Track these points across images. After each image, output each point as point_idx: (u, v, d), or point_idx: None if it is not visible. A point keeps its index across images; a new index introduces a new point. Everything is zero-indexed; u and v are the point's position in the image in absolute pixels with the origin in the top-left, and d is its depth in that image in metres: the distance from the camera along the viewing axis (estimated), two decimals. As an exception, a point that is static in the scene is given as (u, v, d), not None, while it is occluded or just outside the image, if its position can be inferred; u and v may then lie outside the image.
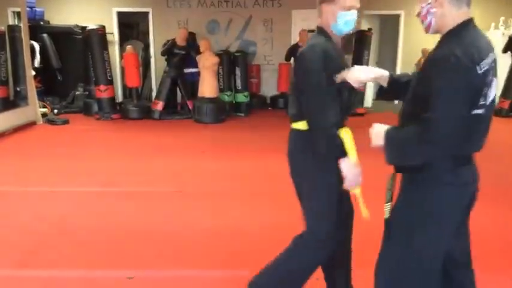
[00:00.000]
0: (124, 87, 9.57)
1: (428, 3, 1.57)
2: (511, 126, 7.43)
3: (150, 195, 3.91)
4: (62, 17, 9.23)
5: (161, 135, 6.67)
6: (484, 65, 1.44)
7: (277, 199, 3.91)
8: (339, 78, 1.83)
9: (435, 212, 1.57)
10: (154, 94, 9.18)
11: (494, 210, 3.63)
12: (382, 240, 1.75)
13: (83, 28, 8.50)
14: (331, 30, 1.92)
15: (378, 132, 1.63)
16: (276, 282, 2.11)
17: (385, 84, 1.85)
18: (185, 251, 2.95)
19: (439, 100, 1.44)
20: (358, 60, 8.41)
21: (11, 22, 8.99)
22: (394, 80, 1.86)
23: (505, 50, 8.31)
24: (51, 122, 7.52)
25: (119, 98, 9.51)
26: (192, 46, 8.17)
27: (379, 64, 10.81)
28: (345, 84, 1.84)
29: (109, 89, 8.02)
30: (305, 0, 9.14)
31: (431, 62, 1.53)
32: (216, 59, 7.73)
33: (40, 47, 8.52)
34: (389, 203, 1.71)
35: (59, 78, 8.92)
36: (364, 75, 1.82)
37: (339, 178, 1.86)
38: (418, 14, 1.64)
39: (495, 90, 1.54)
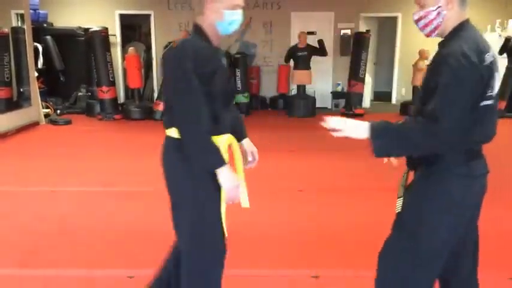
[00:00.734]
0: (126, 88, 9.65)
1: (439, 6, 1.57)
2: (507, 127, 7.51)
3: (150, 195, 3.88)
4: (65, 19, 9.32)
5: (163, 136, 6.60)
6: (489, 58, 1.51)
7: (277, 199, 3.97)
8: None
9: (449, 204, 1.57)
10: (156, 95, 9.27)
11: (492, 210, 3.66)
12: (391, 230, 1.73)
13: (86, 30, 8.60)
14: (214, 29, 1.79)
15: (357, 124, 1.59)
16: None
17: None
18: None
19: (446, 94, 1.46)
20: (357, 61, 8.51)
21: (14, 24, 9.11)
22: None
23: (501, 52, 8.40)
24: (53, 122, 7.60)
25: (121, 98, 9.60)
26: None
27: (378, 65, 10.94)
28: (225, 86, 1.79)
29: (111, 90, 8.11)
30: (304, 2, 9.28)
31: (441, 60, 1.54)
32: (216, 61, 7.81)
33: (43, 49, 8.61)
34: (401, 198, 1.70)
35: (62, 79, 9.00)
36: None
37: (214, 193, 1.76)
38: (420, 19, 1.62)
39: (499, 82, 1.60)
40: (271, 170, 4.87)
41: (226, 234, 1.86)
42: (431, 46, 10.61)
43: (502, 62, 8.53)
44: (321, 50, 8.34)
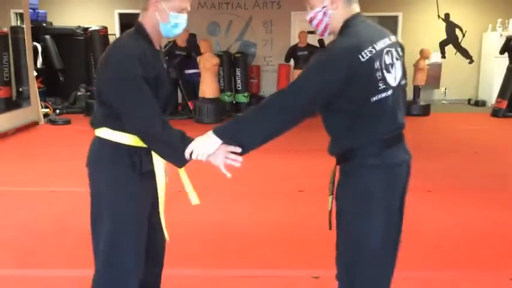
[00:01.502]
0: (125, 88, 9.63)
1: (324, 6, 1.62)
2: (508, 127, 7.50)
3: None
4: (65, 18, 9.31)
5: None
6: (368, 53, 1.52)
7: (278, 198, 3.96)
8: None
9: (368, 196, 1.59)
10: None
11: (493, 210, 3.67)
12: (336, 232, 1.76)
13: (85, 29, 8.58)
14: (156, 30, 1.70)
15: (202, 138, 1.61)
16: None
17: None
18: (185, 250, 2.96)
19: (304, 74, 1.56)
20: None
21: (13, 23, 9.08)
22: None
23: (502, 51, 8.37)
24: (53, 122, 7.59)
25: (120, 98, 9.58)
26: (192, 47, 8.25)
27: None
28: (165, 92, 1.76)
29: (111, 89, 8.09)
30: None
31: (317, 53, 1.67)
32: (216, 60, 7.81)
33: (42, 48, 8.60)
34: (331, 196, 1.74)
35: (61, 79, 8.99)
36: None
37: (143, 200, 1.73)
38: (311, 20, 1.66)
39: (400, 71, 1.63)
40: (271, 170, 4.86)
41: (167, 238, 1.85)
42: (432, 45, 10.56)
43: (503, 62, 8.52)
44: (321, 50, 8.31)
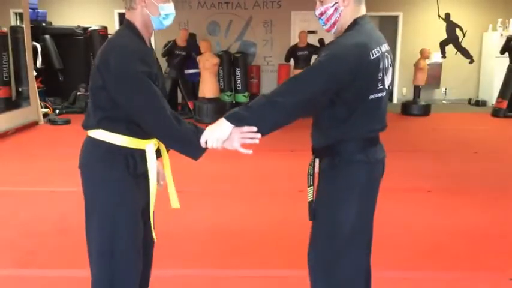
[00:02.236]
0: (125, 87, 9.63)
1: (336, 3, 1.67)
2: (509, 126, 7.49)
3: None
4: (64, 18, 9.31)
5: None
6: (376, 53, 1.61)
7: (278, 198, 3.96)
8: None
9: (353, 187, 1.69)
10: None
11: (493, 210, 3.67)
12: (312, 223, 1.80)
13: (85, 29, 8.58)
14: (146, 25, 1.67)
15: (214, 128, 1.62)
16: None
17: None
18: (185, 250, 2.97)
19: (317, 63, 1.59)
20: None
21: (13, 23, 9.10)
22: None
23: (502, 51, 8.37)
24: (52, 122, 7.58)
25: (120, 98, 9.58)
26: (192, 47, 8.24)
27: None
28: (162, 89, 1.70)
29: (110, 89, 8.08)
30: (304, 1, 9.23)
31: (328, 46, 1.69)
32: (216, 60, 7.80)
33: (42, 48, 8.59)
34: (311, 187, 1.78)
35: (61, 78, 8.98)
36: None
37: (137, 201, 1.72)
38: (321, 14, 1.71)
39: (391, 77, 1.72)
40: (271, 170, 4.85)
41: (155, 239, 1.84)
42: (433, 45, 10.56)
43: (503, 62, 8.51)
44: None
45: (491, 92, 9.32)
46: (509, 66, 8.28)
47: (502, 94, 8.33)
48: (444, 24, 9.61)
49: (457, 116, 8.52)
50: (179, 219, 3.45)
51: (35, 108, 7.60)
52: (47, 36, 8.75)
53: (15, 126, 6.83)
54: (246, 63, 8.94)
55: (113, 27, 9.35)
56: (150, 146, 1.71)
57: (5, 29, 8.16)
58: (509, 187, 4.33)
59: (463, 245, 3.05)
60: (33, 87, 7.64)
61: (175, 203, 1.91)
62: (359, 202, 1.70)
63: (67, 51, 8.92)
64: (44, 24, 8.91)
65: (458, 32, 9.67)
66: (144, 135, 1.68)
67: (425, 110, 8.50)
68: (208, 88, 7.74)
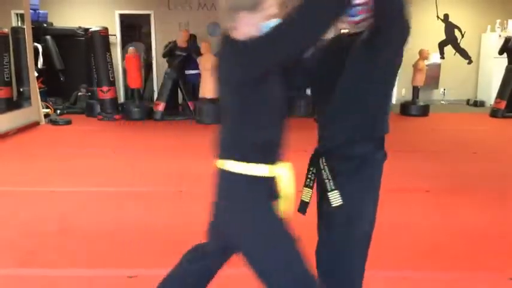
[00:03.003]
0: (126, 88, 9.67)
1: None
2: (507, 127, 7.53)
3: (151, 195, 3.91)
4: (65, 19, 9.33)
5: (162, 136, 6.73)
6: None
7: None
8: None
9: (377, 187, 1.74)
10: (156, 95, 9.28)
11: (492, 210, 3.68)
12: (323, 229, 1.84)
13: (86, 30, 8.60)
14: None
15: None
16: None
17: None
18: (185, 250, 2.99)
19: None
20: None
21: (14, 24, 9.12)
22: None
23: (501, 52, 8.40)
24: (53, 122, 7.60)
25: (121, 99, 9.61)
26: (193, 48, 8.27)
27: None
28: None
29: (111, 90, 8.12)
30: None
31: None
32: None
33: (43, 49, 8.62)
34: (335, 191, 1.69)
35: (62, 79, 9.01)
36: None
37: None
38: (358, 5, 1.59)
39: None
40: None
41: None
42: (431, 46, 10.54)
43: (502, 62, 8.55)
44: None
45: (489, 93, 9.36)
46: (507, 66, 8.32)
47: (501, 94, 8.37)
48: (443, 25, 9.66)
49: (455, 116, 8.55)
50: (180, 219, 3.45)
51: (36, 109, 7.62)
52: (48, 37, 8.78)
53: (16, 127, 6.85)
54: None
55: (114, 28, 9.38)
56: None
57: (6, 30, 8.20)
58: (508, 187, 4.33)
59: (462, 245, 3.06)
60: (34, 88, 7.67)
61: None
62: (375, 201, 1.75)
63: (68, 52, 8.95)
64: (45, 25, 8.92)
65: (456, 32, 9.71)
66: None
67: (424, 111, 8.54)
68: (208, 89, 7.76)
